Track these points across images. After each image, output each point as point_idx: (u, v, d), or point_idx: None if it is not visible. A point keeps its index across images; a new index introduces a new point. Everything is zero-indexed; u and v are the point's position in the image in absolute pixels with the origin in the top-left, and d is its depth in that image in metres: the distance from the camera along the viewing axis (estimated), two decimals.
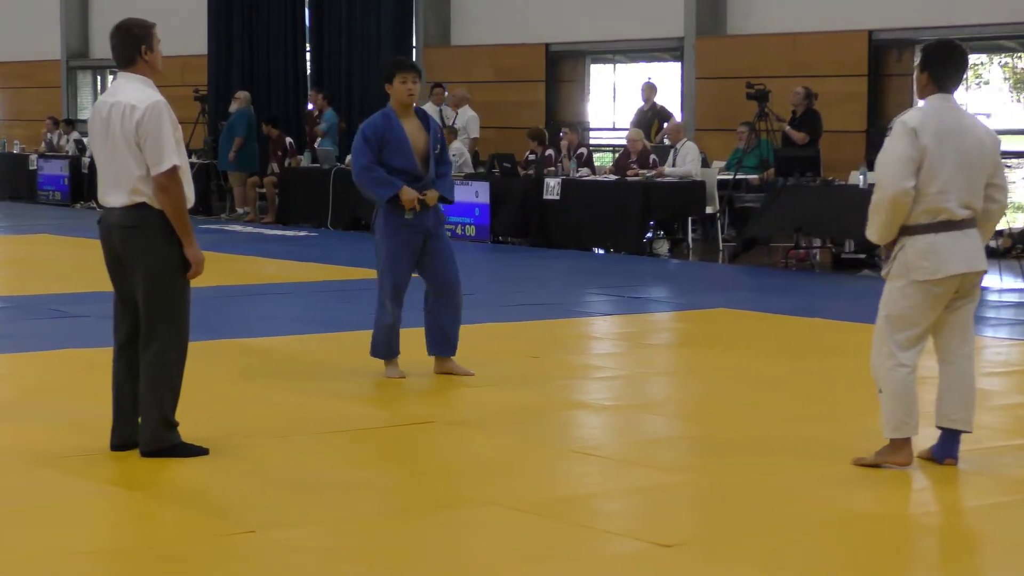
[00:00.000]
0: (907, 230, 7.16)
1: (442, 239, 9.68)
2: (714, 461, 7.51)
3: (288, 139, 23.96)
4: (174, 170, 7.25)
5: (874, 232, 7.26)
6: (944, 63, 7.26)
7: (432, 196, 9.53)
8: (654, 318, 13.18)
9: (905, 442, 7.22)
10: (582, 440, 8.23)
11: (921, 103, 7.32)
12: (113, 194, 7.38)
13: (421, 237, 9.54)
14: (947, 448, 7.31)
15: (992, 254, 16.94)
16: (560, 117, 23.25)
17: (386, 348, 9.65)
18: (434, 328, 9.71)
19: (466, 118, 22.36)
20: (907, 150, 7.07)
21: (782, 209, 16.78)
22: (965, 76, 7.32)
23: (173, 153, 7.25)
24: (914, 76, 7.40)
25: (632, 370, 10.44)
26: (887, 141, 7.21)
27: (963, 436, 7.43)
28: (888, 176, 7.10)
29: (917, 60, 7.37)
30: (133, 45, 7.39)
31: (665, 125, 20.52)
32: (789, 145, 18.51)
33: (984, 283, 16.45)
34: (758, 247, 17.58)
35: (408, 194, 9.40)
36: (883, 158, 7.19)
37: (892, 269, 7.24)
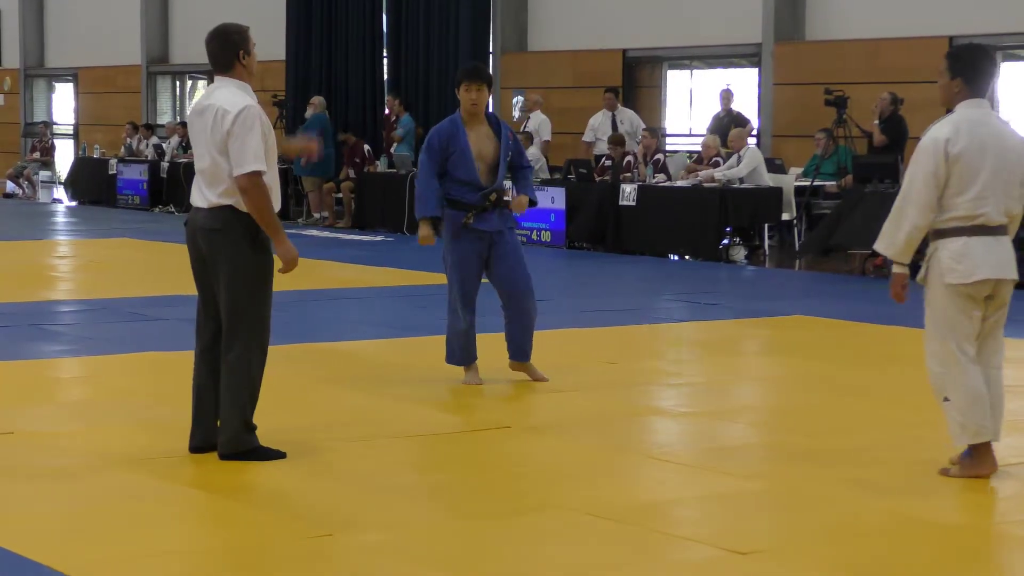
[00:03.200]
0: (940, 233, 7.15)
1: (507, 242, 9.57)
2: (789, 468, 7.51)
3: (366, 146, 24.09)
4: (255, 175, 7.28)
5: (894, 246, 7.19)
6: (975, 67, 7.22)
7: (523, 201, 9.56)
8: (730, 325, 13.16)
9: (987, 448, 7.17)
10: (658, 446, 8.25)
11: (953, 111, 7.24)
12: (203, 195, 7.46)
13: (486, 241, 9.49)
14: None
15: None
16: None
17: (462, 354, 9.64)
18: (508, 336, 9.75)
19: (538, 121, 22.41)
20: (932, 166, 7.05)
21: (861, 217, 16.70)
22: (995, 81, 7.22)
23: (256, 159, 7.28)
24: (941, 84, 7.30)
25: (708, 377, 10.44)
26: (916, 154, 7.18)
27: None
28: (916, 192, 7.09)
29: (943, 67, 7.30)
30: (232, 50, 7.49)
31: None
32: (873, 147, 18.38)
33: None
34: (837, 254, 17.53)
35: (423, 231, 9.41)
36: (912, 173, 7.14)
37: (927, 274, 7.22)
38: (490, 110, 9.70)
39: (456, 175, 9.43)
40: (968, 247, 7.10)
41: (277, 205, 7.46)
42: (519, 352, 9.74)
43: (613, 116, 21.47)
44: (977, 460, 7.18)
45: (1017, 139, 7.30)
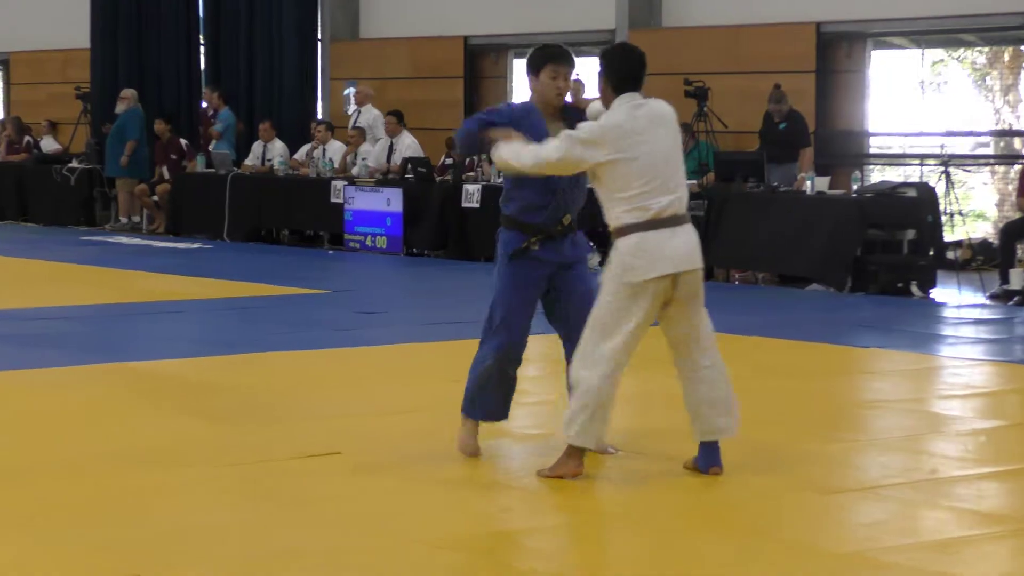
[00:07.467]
0: (618, 231, 7.63)
1: (576, 276, 8.31)
2: (643, 490, 7.56)
3: (182, 140, 23.89)
4: None
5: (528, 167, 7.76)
6: (616, 66, 7.82)
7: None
8: None
9: (579, 453, 7.67)
10: (504, 471, 8.26)
11: (614, 105, 7.72)
12: None
13: (550, 268, 8.22)
14: (711, 457, 7.77)
15: (950, 267, 17.19)
16: None
17: (487, 408, 8.34)
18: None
19: (371, 117, 22.38)
20: (586, 150, 7.57)
21: (731, 227, 16.87)
22: (644, 75, 7.84)
23: None
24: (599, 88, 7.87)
25: (558, 394, 10.46)
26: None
27: (917, 466, 7.73)
28: (557, 154, 7.62)
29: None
30: None
31: None
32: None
33: (940, 298, 16.67)
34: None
35: (497, 132, 7.93)
36: (568, 142, 7.60)
37: (605, 271, 7.71)
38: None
39: (528, 180, 8.02)
40: (645, 241, 7.57)
41: None
42: None
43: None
44: (566, 460, 7.69)
45: (675, 122, 7.83)
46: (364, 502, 7.43)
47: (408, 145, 20.94)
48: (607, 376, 7.57)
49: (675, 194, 7.61)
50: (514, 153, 7.76)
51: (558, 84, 8.10)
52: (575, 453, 7.67)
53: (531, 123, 8.02)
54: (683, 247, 7.59)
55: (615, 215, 7.62)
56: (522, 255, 8.13)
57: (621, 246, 7.59)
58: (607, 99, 7.73)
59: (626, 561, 6.59)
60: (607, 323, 7.61)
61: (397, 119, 21.15)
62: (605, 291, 7.66)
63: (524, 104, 8.21)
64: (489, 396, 8.30)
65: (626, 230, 7.58)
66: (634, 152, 7.52)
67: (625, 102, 7.66)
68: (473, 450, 8.32)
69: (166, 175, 23.51)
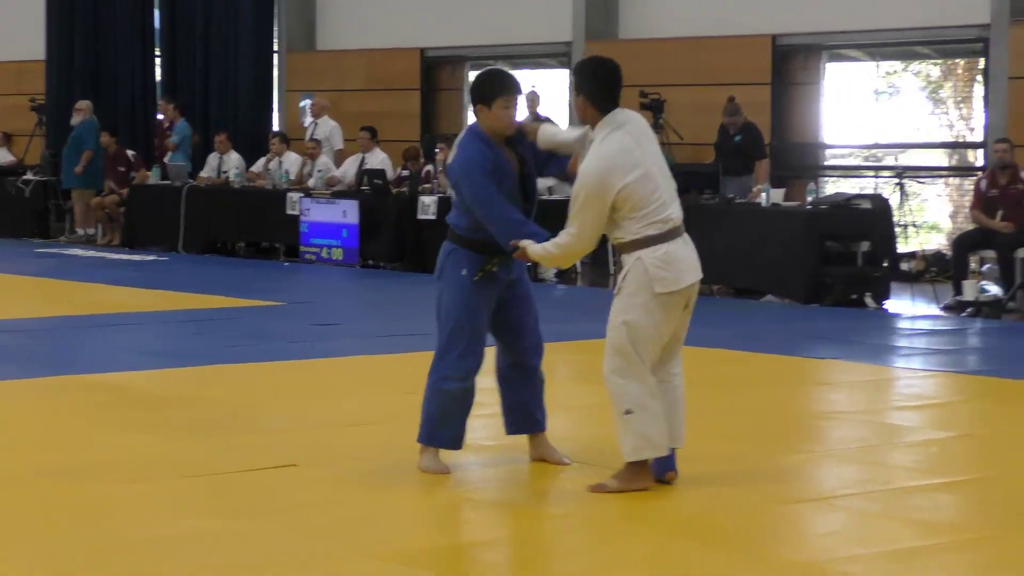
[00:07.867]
0: (638, 244, 7.60)
1: (525, 287, 8.40)
2: (605, 505, 7.58)
3: (130, 152, 23.79)
4: None
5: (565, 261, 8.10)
6: (600, 83, 7.70)
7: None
8: None
9: (644, 464, 7.64)
10: (462, 484, 8.26)
11: (601, 128, 7.64)
12: None
13: (502, 286, 8.26)
14: (667, 462, 7.75)
15: (904, 278, 17.29)
16: (437, 128, 23.32)
17: (452, 434, 8.30)
18: (510, 403, 8.53)
19: (327, 128, 22.37)
20: (602, 198, 7.58)
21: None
22: (620, 90, 7.75)
23: None
24: (575, 103, 7.83)
25: None
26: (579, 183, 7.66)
27: (872, 476, 7.93)
28: (588, 230, 7.74)
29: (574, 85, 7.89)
30: None
31: None
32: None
33: (894, 309, 16.78)
34: None
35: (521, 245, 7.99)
36: (583, 208, 7.70)
37: (626, 283, 7.66)
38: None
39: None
40: (671, 253, 7.65)
41: None
42: (532, 421, 8.51)
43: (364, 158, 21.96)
44: (639, 474, 7.65)
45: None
46: (321, 514, 7.43)
47: (381, 161, 20.92)
48: (647, 381, 7.60)
49: (677, 202, 7.72)
50: (559, 251, 7.92)
51: (511, 114, 8.10)
52: (637, 467, 7.63)
53: (495, 155, 8.05)
54: (695, 256, 7.78)
55: (634, 230, 7.58)
56: (485, 278, 8.15)
57: (646, 257, 7.58)
58: (589, 117, 7.67)
59: (582, 573, 6.61)
60: (640, 331, 7.59)
61: (370, 135, 21.14)
62: (631, 303, 7.61)
63: (478, 138, 8.10)
64: (456, 421, 8.25)
65: (649, 241, 7.59)
66: (639, 167, 7.54)
67: (612, 120, 7.62)
68: (444, 469, 8.24)
69: (113, 187, 23.44)
